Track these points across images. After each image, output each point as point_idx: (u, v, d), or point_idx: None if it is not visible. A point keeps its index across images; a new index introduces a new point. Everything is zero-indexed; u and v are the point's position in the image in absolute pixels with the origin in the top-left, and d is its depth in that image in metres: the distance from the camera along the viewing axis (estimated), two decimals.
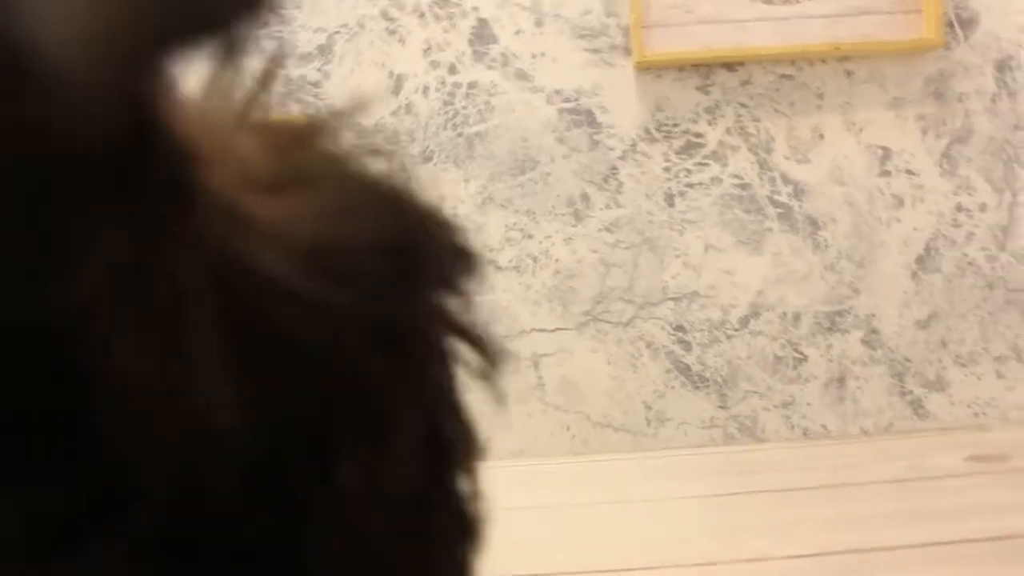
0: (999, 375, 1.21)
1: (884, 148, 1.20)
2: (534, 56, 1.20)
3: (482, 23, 1.20)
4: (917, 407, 1.22)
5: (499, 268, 1.21)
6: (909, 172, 1.20)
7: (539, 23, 1.21)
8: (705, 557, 0.80)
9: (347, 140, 0.24)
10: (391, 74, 1.21)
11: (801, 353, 1.21)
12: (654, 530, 0.89)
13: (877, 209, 1.21)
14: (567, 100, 1.20)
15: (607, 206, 1.20)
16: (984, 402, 1.22)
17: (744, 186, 1.20)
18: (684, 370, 1.21)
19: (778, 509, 0.93)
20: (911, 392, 1.21)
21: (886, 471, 1.05)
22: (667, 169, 1.20)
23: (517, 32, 1.20)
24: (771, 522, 0.89)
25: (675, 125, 1.20)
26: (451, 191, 1.20)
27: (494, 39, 1.19)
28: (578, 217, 1.20)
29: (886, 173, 1.20)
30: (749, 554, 0.80)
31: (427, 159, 1.21)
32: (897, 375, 1.21)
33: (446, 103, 1.20)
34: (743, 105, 1.19)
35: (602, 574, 0.79)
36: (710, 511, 0.94)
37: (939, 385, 1.21)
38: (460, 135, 1.20)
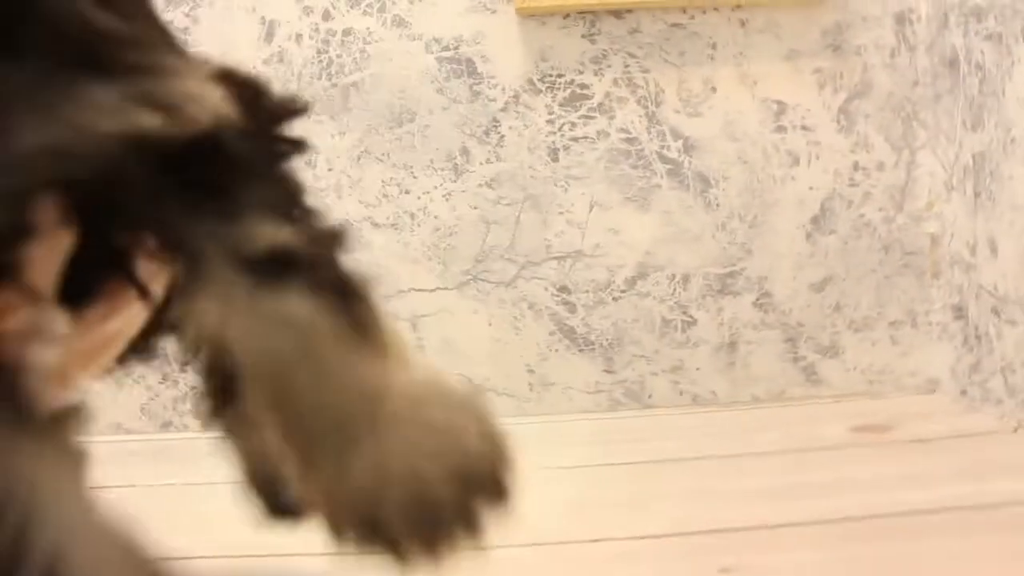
0: (894, 341, 1.17)
1: (779, 102, 1.15)
2: (412, 2, 1.13)
3: None
4: (810, 373, 1.17)
5: (376, 225, 1.15)
6: (805, 128, 1.16)
7: None
8: (571, 534, 0.75)
9: None
10: (263, 20, 1.14)
11: (691, 316, 1.16)
12: (531, 502, 0.84)
13: (771, 167, 1.16)
14: (446, 48, 1.14)
15: (488, 160, 1.14)
16: (878, 369, 1.17)
17: (632, 140, 1.15)
18: (568, 333, 1.16)
19: (639, 483, 0.89)
20: (804, 358, 1.17)
21: (766, 440, 1.01)
22: (551, 122, 1.14)
23: None
24: (624, 497, 0.84)
25: (560, 76, 1.14)
26: (326, 144, 1.14)
27: None
28: (458, 172, 1.14)
29: (781, 129, 1.16)
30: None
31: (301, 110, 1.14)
32: (790, 340, 1.17)
33: (320, 51, 1.14)
34: (631, 55, 1.14)
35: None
36: (573, 483, 0.89)
37: (833, 351, 1.17)
38: (335, 85, 1.14)
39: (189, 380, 1.13)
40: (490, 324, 1.15)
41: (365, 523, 0.33)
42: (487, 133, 1.14)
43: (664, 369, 1.16)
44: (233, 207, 0.34)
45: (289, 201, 0.38)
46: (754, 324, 1.17)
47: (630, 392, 1.16)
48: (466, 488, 0.34)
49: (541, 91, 1.14)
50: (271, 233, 0.34)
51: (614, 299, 1.16)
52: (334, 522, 0.33)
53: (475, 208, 1.15)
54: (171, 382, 1.17)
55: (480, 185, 1.14)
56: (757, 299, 1.16)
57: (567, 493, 0.84)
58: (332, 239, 0.38)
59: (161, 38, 0.36)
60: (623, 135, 1.15)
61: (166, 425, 1.18)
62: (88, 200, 0.33)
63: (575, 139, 1.14)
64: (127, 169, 0.32)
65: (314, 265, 0.36)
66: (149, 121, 0.31)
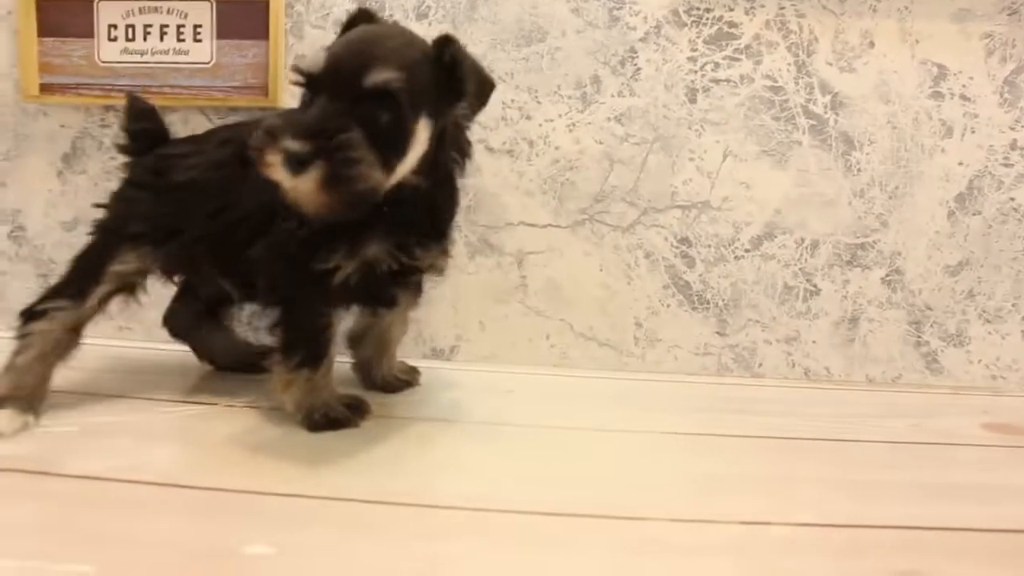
0: None
1: (940, 66, 1.06)
2: None
3: None
4: (931, 361, 1.10)
5: (491, 149, 1.07)
6: (964, 97, 1.06)
7: None
8: (676, 510, 0.68)
9: None
10: None
11: (814, 285, 1.08)
12: (627, 468, 0.77)
13: (921, 135, 1.07)
14: None
15: (620, 93, 1.06)
16: (1005, 364, 1.10)
17: (776, 89, 1.06)
18: (683, 288, 1.08)
19: (767, 461, 0.81)
20: (927, 343, 1.09)
21: (892, 429, 0.94)
22: (692, 59, 1.05)
23: None
24: (758, 474, 0.77)
25: (708, 10, 1.05)
26: None
27: None
28: (586, 102, 1.06)
29: (938, 95, 1.06)
30: (727, 514, 0.67)
31: (421, 15, 1.06)
32: (915, 323, 1.09)
33: None
34: None
35: (546, 516, 0.66)
36: (692, 453, 0.82)
37: (959, 340, 1.09)
38: None
39: None
40: (601, 269, 1.08)
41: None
42: (622, 63, 1.05)
43: (779, 338, 1.09)
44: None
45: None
46: (880, 302, 1.09)
47: (740, 358, 1.09)
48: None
49: (686, 24, 1.05)
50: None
51: (736, 258, 1.08)
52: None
53: (600, 143, 1.06)
54: None
55: (608, 119, 1.06)
56: (887, 275, 1.08)
57: (684, 463, 0.78)
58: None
59: None
60: (768, 82, 1.06)
61: None
62: None
63: (716, 81, 1.06)
64: None
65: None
66: None
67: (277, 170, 0.67)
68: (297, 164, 0.66)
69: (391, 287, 0.83)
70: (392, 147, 0.70)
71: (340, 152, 0.66)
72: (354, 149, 0.66)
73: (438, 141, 0.76)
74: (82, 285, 0.82)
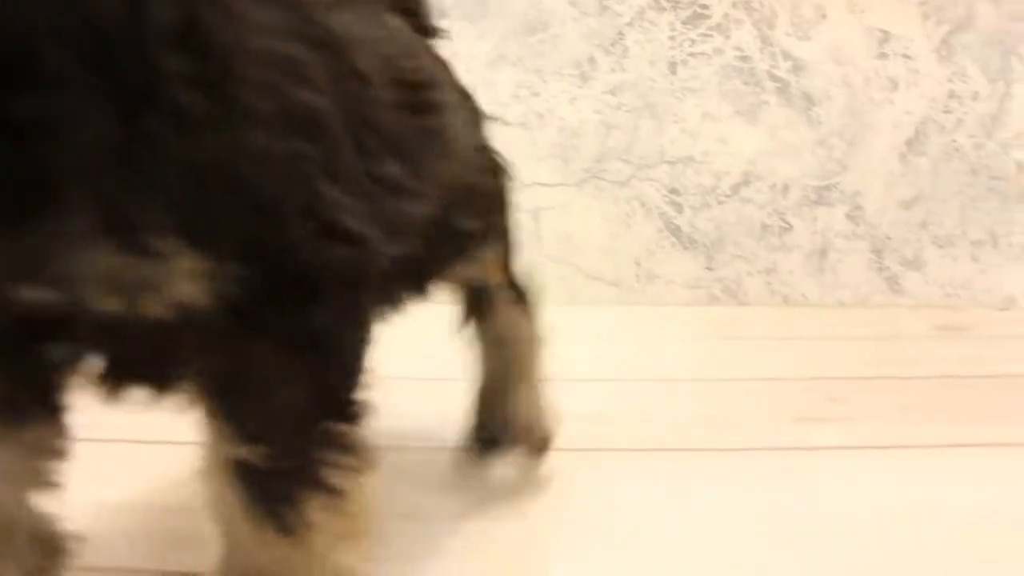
0: (974, 258, 1.27)
1: (884, 31, 1.25)
2: None
3: None
4: (893, 283, 1.28)
5: (507, 124, 1.27)
6: (906, 56, 1.25)
7: None
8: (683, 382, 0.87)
9: None
10: None
11: (787, 223, 1.27)
12: (635, 367, 0.97)
13: (871, 90, 1.25)
14: None
15: (612, 70, 1.26)
16: (958, 284, 1.28)
17: (745, 59, 1.25)
18: (675, 231, 1.28)
19: (752, 362, 1.00)
20: (888, 268, 1.28)
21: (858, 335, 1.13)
22: (672, 38, 1.25)
23: None
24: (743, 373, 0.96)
25: None
26: (464, 48, 1.26)
27: None
28: (584, 79, 1.26)
29: (883, 56, 1.25)
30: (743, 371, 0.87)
31: (442, 15, 1.26)
32: (877, 251, 1.28)
33: None
34: None
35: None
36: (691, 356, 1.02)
37: (916, 264, 1.28)
38: None
39: None
40: (604, 219, 1.27)
41: None
42: (613, 45, 1.25)
43: (760, 270, 1.28)
44: None
45: None
46: (845, 235, 1.27)
47: (727, 289, 1.28)
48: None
49: (665, 9, 1.25)
50: None
51: (718, 203, 1.27)
52: None
53: (598, 113, 1.26)
54: None
55: (604, 92, 1.26)
56: (849, 212, 1.27)
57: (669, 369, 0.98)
58: None
59: None
60: (737, 53, 1.25)
61: None
62: None
63: (693, 55, 1.25)
64: None
65: None
66: None
67: None
68: None
69: None
70: None
71: None
72: None
73: None
74: None
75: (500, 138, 1.28)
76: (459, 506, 0.59)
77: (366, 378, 0.38)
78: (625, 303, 1.28)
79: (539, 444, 0.62)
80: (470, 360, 0.65)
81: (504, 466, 0.63)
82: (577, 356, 0.89)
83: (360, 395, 0.37)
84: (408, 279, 0.52)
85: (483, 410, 0.63)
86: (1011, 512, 0.59)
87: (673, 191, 1.27)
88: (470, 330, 0.64)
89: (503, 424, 0.62)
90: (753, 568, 0.52)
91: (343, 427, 0.37)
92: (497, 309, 0.64)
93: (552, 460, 0.63)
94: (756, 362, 0.98)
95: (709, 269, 1.28)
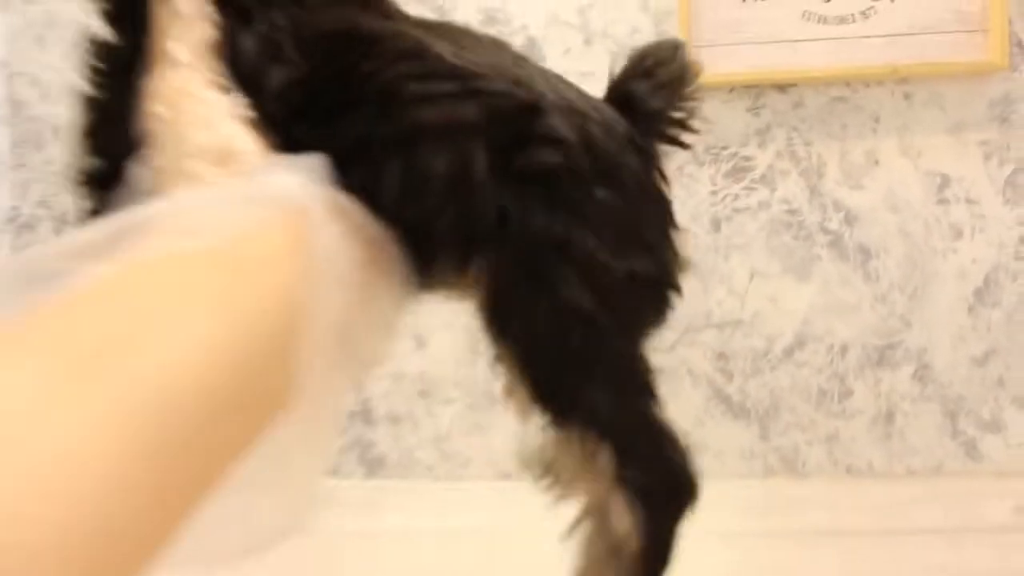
0: None
1: (943, 175, 1.15)
2: (582, 75, 1.17)
3: (531, 40, 1.19)
4: (970, 448, 1.16)
5: None
6: (969, 201, 1.15)
7: (588, 42, 1.19)
8: None
9: None
10: None
11: (847, 387, 1.17)
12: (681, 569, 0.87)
13: (933, 239, 1.16)
14: None
15: None
16: None
17: (793, 212, 1.16)
18: (725, 399, 1.18)
19: (816, 554, 0.90)
20: (964, 432, 1.16)
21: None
22: (714, 193, 1.17)
23: (566, 51, 1.19)
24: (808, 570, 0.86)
25: (724, 148, 1.17)
26: None
27: (541, 56, 1.18)
28: None
29: (944, 201, 1.16)
30: None
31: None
32: (949, 414, 1.16)
33: None
34: (794, 128, 1.16)
35: None
36: (742, 551, 0.91)
37: (994, 426, 1.16)
38: None
39: None
40: None
41: None
42: None
43: (819, 438, 1.17)
44: None
45: None
46: (912, 397, 1.16)
47: (784, 459, 1.18)
48: None
49: (705, 163, 1.17)
50: None
51: (771, 368, 1.17)
52: None
53: None
54: None
55: None
56: (916, 371, 1.16)
57: (725, 561, 0.87)
58: None
59: None
60: (785, 206, 1.16)
61: None
62: None
63: (737, 210, 1.17)
64: None
65: None
66: None
67: None
68: None
69: None
70: None
71: None
72: None
73: None
74: None
75: None
76: None
77: None
78: None
79: None
80: None
81: None
82: None
83: None
84: None
85: None
86: None
87: (721, 356, 1.18)
88: None
89: None
90: None
91: None
92: None
93: None
94: None
95: (763, 439, 1.18)
